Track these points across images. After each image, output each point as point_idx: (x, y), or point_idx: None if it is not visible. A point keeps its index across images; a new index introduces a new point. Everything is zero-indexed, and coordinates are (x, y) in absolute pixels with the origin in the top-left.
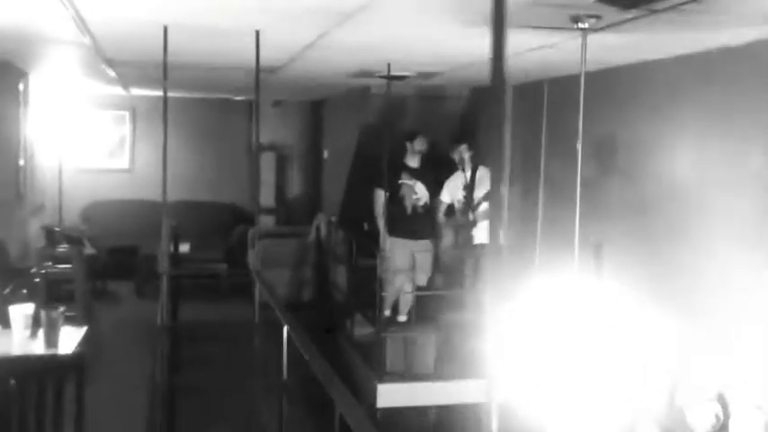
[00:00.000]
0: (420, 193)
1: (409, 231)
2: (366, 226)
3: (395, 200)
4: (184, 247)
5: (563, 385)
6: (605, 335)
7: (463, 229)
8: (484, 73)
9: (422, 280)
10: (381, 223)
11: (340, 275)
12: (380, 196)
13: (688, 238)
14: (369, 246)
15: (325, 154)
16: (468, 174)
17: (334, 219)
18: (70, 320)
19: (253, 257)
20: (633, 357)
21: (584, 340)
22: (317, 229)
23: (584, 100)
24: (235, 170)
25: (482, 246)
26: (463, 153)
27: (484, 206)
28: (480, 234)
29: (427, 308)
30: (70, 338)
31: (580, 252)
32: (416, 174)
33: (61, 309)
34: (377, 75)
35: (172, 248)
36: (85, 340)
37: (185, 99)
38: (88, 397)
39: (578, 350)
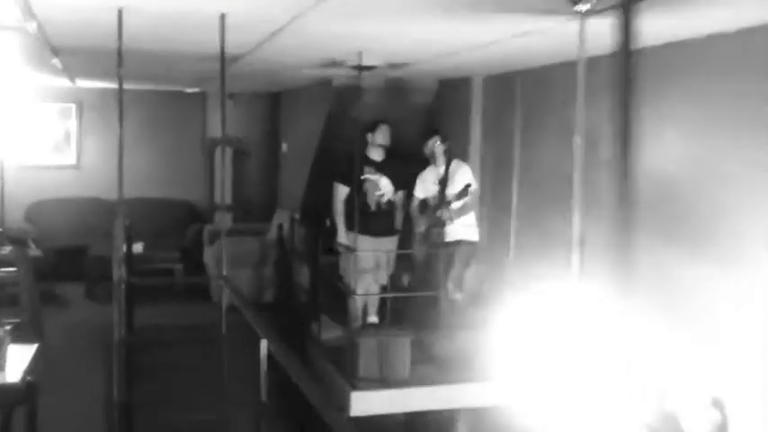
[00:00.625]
0: (384, 188)
1: (373, 229)
2: (328, 222)
3: (357, 195)
4: (137, 247)
5: (554, 387)
6: (587, 338)
7: (437, 226)
8: (456, 64)
9: (383, 278)
10: (340, 220)
11: (303, 275)
12: (341, 192)
13: (681, 236)
14: (332, 243)
15: (284, 148)
16: (442, 168)
17: (297, 216)
18: (16, 332)
19: (210, 257)
20: (616, 361)
21: (569, 343)
22: (280, 227)
23: (562, 90)
24: (188, 166)
25: (457, 243)
26: (435, 147)
27: (459, 202)
28: (455, 230)
29: (398, 308)
30: (18, 359)
31: (563, 250)
32: (380, 167)
33: (7, 327)
34: (346, 65)
35: (125, 249)
36: (35, 360)
37: (134, 91)
38: (39, 419)
39: (564, 353)
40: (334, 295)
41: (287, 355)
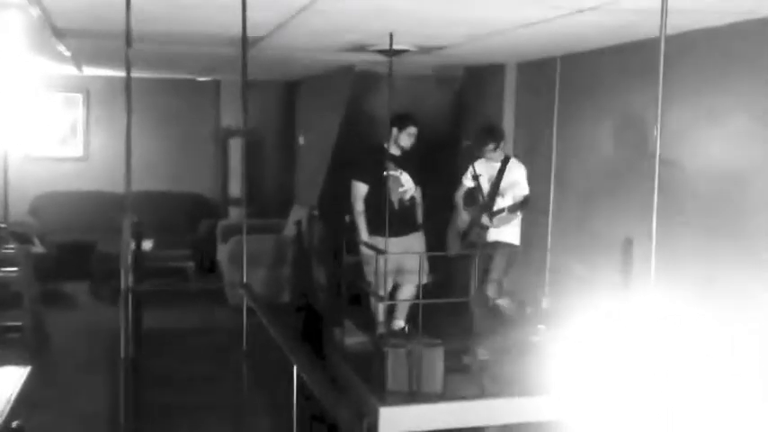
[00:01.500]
0: (406, 184)
1: (397, 228)
2: (348, 219)
3: (377, 193)
4: (147, 245)
5: (605, 401)
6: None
7: (480, 227)
8: (492, 48)
9: (416, 280)
10: (361, 221)
11: (323, 275)
12: (360, 190)
13: (736, 235)
14: (353, 244)
15: (301, 140)
16: (497, 165)
17: (316, 212)
18: (12, 345)
19: (224, 255)
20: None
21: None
22: (298, 223)
23: (607, 78)
24: (200, 158)
25: (496, 244)
26: (493, 152)
27: (510, 215)
28: (497, 231)
29: (426, 312)
30: (6, 385)
31: (607, 252)
32: (400, 162)
33: None
34: (374, 48)
35: (134, 246)
36: (27, 385)
37: (144, 80)
38: None
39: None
40: (356, 297)
41: (317, 379)
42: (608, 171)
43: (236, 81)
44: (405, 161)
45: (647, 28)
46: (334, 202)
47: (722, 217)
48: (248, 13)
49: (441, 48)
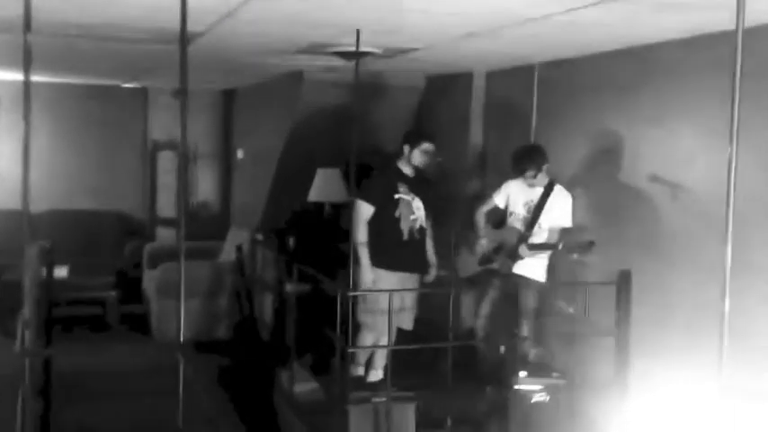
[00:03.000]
0: (418, 212)
1: (405, 262)
2: (292, 243)
3: (384, 219)
4: (61, 272)
5: None
6: None
7: (510, 257)
8: (466, 53)
9: (408, 322)
10: (364, 251)
11: (268, 308)
12: (364, 212)
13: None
14: (304, 269)
15: (240, 154)
16: (538, 190)
17: (260, 236)
18: None
19: (150, 283)
20: None
21: None
22: (239, 248)
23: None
24: (125, 173)
25: (523, 279)
26: (537, 177)
27: (549, 238)
28: (526, 265)
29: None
30: None
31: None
32: (413, 185)
33: None
34: (333, 50)
35: (45, 274)
36: None
37: (63, 85)
38: None
39: None
40: (311, 337)
41: None
42: (597, 191)
43: (164, 89)
44: (418, 184)
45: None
46: (278, 224)
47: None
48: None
49: (409, 50)
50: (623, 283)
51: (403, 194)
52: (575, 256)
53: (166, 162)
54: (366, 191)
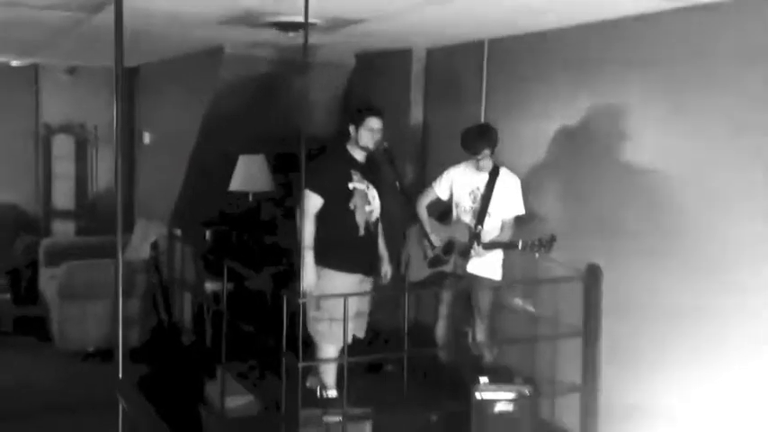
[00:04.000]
0: (373, 202)
1: (360, 262)
2: (208, 236)
3: (336, 213)
4: None
5: None
6: None
7: (463, 255)
8: (421, 24)
9: (361, 330)
10: (309, 251)
11: (189, 310)
12: (313, 203)
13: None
14: (228, 264)
15: (146, 138)
16: (484, 175)
17: (178, 231)
18: None
19: (48, 283)
20: None
21: None
22: (154, 245)
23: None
24: (14, 160)
25: (477, 279)
26: (485, 160)
27: (501, 232)
28: (480, 263)
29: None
30: None
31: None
32: (366, 171)
33: None
34: (270, 20)
35: None
36: None
37: None
38: None
39: None
40: (242, 344)
41: None
42: (559, 178)
43: (59, 65)
44: (371, 170)
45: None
46: (194, 215)
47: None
48: None
49: (355, 22)
50: (591, 278)
51: (357, 183)
52: (536, 254)
53: (62, 147)
54: (313, 180)
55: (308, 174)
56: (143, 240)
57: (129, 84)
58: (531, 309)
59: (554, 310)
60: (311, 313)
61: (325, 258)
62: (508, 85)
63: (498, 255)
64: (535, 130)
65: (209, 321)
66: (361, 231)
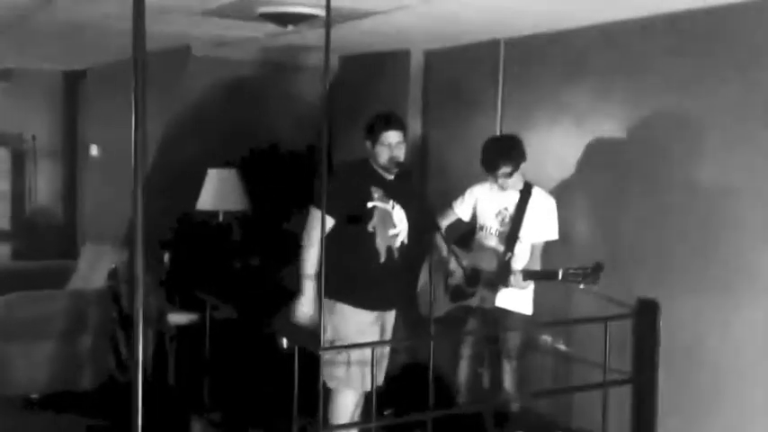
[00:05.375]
0: (399, 225)
1: (379, 296)
2: (166, 259)
3: (351, 235)
4: None
5: None
6: None
7: (490, 287)
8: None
9: (380, 376)
10: (309, 282)
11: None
12: (318, 223)
13: None
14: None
15: (94, 150)
16: (513, 195)
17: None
18: None
19: None
20: None
21: None
22: (113, 273)
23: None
24: None
25: (503, 312)
26: (509, 178)
27: (530, 259)
28: (508, 296)
29: None
30: None
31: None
32: (390, 189)
33: None
34: (263, 10)
35: None
36: None
37: None
38: None
39: None
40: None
41: None
42: (591, 197)
43: None
44: (396, 187)
45: None
46: (156, 238)
47: None
48: None
49: (366, 15)
50: (646, 315)
51: (378, 202)
52: (580, 285)
53: None
54: (329, 195)
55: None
56: (93, 267)
57: (73, 89)
58: (562, 347)
59: (590, 349)
60: (325, 356)
61: (338, 291)
62: (529, 90)
63: (530, 286)
64: (563, 142)
65: (173, 360)
66: (382, 258)
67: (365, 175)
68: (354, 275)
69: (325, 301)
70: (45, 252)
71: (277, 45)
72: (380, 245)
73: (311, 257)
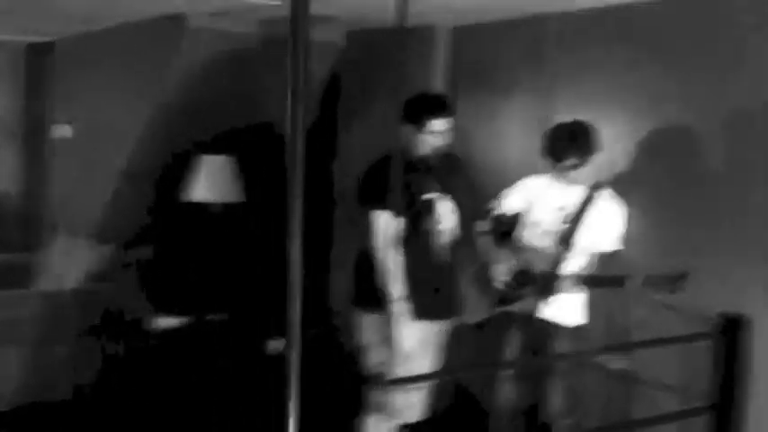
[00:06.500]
0: (447, 218)
1: (439, 302)
2: (145, 255)
3: (410, 237)
4: None
5: None
6: None
7: (542, 294)
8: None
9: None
10: (393, 282)
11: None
12: (383, 224)
13: None
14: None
15: (64, 131)
16: (576, 192)
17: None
18: None
19: None
20: None
21: None
22: (100, 273)
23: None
24: None
25: (550, 326)
26: (573, 170)
27: (588, 264)
28: (560, 305)
29: None
30: None
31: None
32: (441, 178)
33: None
34: None
35: None
36: None
37: None
38: None
39: None
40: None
41: None
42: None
43: None
44: (446, 176)
45: None
46: (137, 233)
47: None
48: None
49: None
50: (730, 333)
51: (430, 194)
52: (657, 294)
53: None
54: (376, 192)
55: (368, 183)
56: (66, 264)
57: (38, 63)
58: (621, 366)
59: (650, 366)
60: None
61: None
62: (587, 72)
63: (582, 293)
64: (621, 130)
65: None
66: (435, 259)
67: (410, 166)
68: (412, 281)
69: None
70: (5, 244)
71: (280, 16)
72: (434, 243)
73: (386, 252)
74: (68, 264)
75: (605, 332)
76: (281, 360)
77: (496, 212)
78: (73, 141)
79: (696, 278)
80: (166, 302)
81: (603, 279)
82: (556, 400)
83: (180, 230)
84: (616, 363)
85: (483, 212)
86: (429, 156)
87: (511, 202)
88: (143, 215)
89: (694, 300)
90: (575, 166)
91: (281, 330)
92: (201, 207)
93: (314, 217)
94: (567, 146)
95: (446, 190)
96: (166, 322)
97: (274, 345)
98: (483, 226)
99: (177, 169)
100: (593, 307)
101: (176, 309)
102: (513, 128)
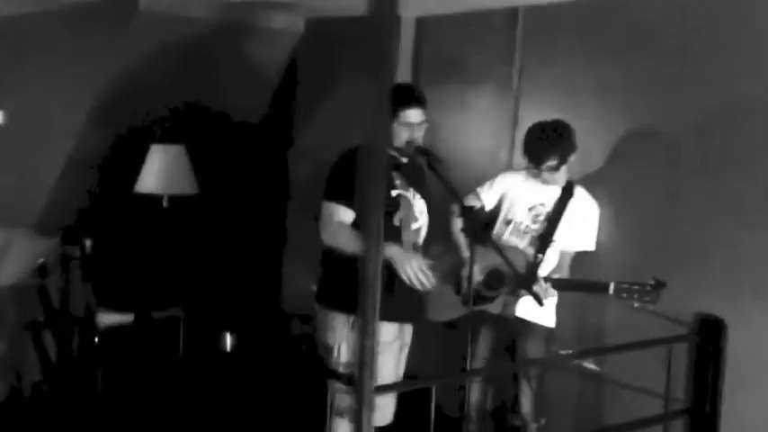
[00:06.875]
0: (420, 216)
1: (403, 302)
2: (88, 247)
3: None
4: None
5: None
6: None
7: (514, 292)
8: None
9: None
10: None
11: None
12: (341, 217)
13: None
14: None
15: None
16: (554, 190)
17: (88, 245)
18: None
19: None
20: None
21: None
22: (42, 268)
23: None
24: None
25: (523, 324)
26: (555, 171)
27: (556, 267)
28: (531, 305)
29: None
30: None
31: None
32: (407, 175)
33: None
34: None
35: None
36: None
37: None
38: None
39: None
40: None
41: None
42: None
43: None
44: (412, 173)
45: None
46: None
47: None
48: None
49: None
50: (710, 336)
51: (401, 190)
52: (635, 303)
53: None
54: (337, 186)
55: (335, 175)
56: (3, 258)
57: None
58: (592, 367)
59: (622, 368)
60: (337, 384)
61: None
62: (550, 66)
63: (554, 295)
64: (591, 126)
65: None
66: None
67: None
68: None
69: (336, 315)
70: None
71: (235, 1)
72: (406, 241)
73: (347, 242)
74: (5, 258)
75: (578, 332)
76: (235, 356)
77: (471, 209)
78: (6, 128)
79: (671, 280)
80: (112, 298)
81: (582, 284)
82: (526, 401)
83: (128, 222)
84: (589, 364)
85: (457, 209)
86: (402, 149)
87: (486, 198)
88: (87, 206)
89: (671, 303)
90: (556, 168)
91: (235, 326)
92: (151, 199)
93: (267, 209)
94: (548, 148)
95: (416, 186)
96: (112, 318)
97: (229, 340)
98: (457, 223)
99: (125, 159)
100: (567, 306)
101: (122, 305)
102: (479, 121)
